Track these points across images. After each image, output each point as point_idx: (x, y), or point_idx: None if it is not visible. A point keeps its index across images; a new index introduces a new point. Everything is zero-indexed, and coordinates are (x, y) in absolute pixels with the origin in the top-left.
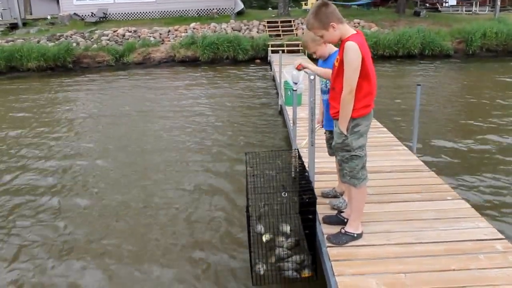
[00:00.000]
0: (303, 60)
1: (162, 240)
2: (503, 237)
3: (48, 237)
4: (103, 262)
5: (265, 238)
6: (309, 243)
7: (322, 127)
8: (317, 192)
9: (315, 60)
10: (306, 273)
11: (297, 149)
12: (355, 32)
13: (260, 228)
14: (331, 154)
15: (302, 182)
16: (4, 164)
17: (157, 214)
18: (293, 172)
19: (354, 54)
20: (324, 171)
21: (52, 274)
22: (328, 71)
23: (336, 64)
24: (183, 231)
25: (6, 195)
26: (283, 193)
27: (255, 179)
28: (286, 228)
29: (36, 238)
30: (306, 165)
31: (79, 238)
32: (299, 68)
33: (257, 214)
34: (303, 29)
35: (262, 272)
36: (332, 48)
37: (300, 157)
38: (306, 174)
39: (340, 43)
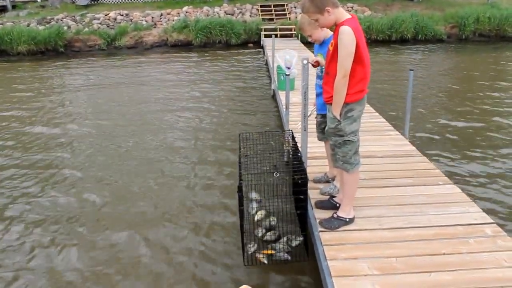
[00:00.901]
0: (313, 56)
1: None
2: (492, 221)
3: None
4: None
5: (257, 217)
6: (301, 224)
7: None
8: (309, 177)
9: (309, 44)
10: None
11: (291, 130)
12: (350, 16)
13: (252, 207)
14: (320, 138)
15: (295, 163)
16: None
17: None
18: (285, 156)
19: (348, 38)
20: (316, 156)
21: None
22: None
23: (331, 48)
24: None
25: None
26: (274, 173)
27: (248, 160)
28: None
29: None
30: (299, 146)
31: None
32: (316, 65)
33: (249, 196)
34: (296, 13)
35: (253, 253)
36: (328, 33)
37: (293, 138)
38: (299, 155)
39: (334, 28)
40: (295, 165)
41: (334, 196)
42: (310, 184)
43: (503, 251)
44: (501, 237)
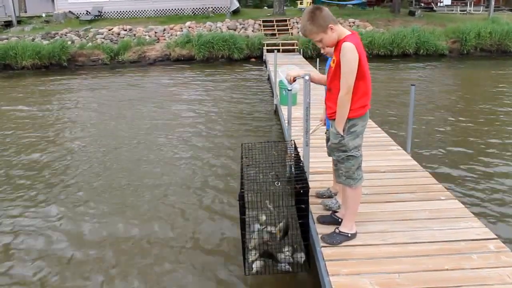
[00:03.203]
0: (294, 66)
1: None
2: (495, 237)
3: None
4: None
5: (259, 226)
6: (303, 234)
7: (325, 125)
8: (311, 192)
9: (311, 59)
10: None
11: (293, 141)
12: (350, 32)
13: (255, 226)
14: (329, 154)
15: (296, 172)
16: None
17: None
18: (287, 170)
19: (351, 54)
20: (318, 171)
21: None
22: (320, 77)
23: (332, 65)
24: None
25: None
26: (276, 182)
27: (250, 169)
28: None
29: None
30: (301, 156)
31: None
32: (292, 81)
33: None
34: (298, 28)
35: (254, 263)
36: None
37: (296, 148)
38: (301, 164)
39: (336, 44)
40: (297, 174)
41: (337, 211)
42: (312, 199)
43: (506, 267)
44: (504, 252)
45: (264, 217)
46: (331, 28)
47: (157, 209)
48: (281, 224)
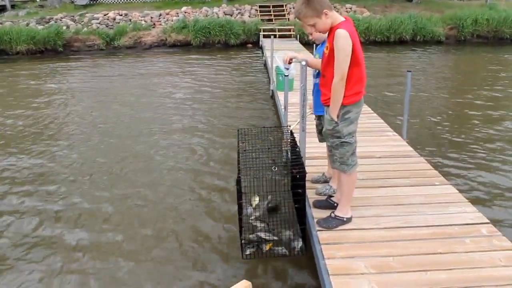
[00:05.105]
0: (291, 51)
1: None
2: (488, 221)
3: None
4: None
5: (254, 202)
6: (299, 218)
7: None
8: (308, 176)
9: (308, 45)
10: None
11: (290, 126)
12: (344, 19)
13: (250, 210)
14: (321, 140)
15: (293, 157)
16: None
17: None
18: (284, 156)
19: (345, 41)
20: (314, 156)
21: None
22: (317, 62)
23: (326, 51)
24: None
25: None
26: (273, 167)
27: (246, 155)
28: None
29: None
30: (297, 141)
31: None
32: (288, 62)
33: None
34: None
35: (251, 247)
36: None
37: (292, 133)
38: (297, 150)
39: (329, 31)
40: (293, 159)
41: (332, 196)
42: (308, 184)
43: (498, 250)
44: (496, 236)
45: (257, 199)
46: (326, 14)
47: (156, 188)
48: (269, 197)
